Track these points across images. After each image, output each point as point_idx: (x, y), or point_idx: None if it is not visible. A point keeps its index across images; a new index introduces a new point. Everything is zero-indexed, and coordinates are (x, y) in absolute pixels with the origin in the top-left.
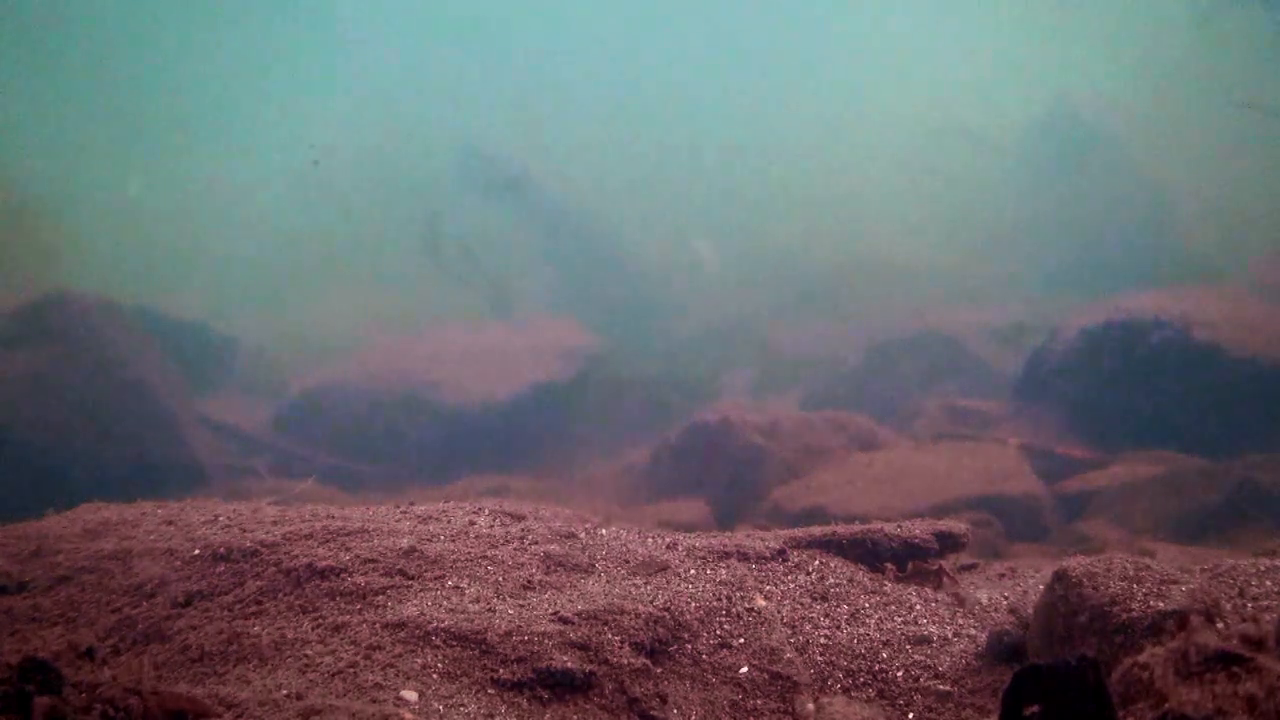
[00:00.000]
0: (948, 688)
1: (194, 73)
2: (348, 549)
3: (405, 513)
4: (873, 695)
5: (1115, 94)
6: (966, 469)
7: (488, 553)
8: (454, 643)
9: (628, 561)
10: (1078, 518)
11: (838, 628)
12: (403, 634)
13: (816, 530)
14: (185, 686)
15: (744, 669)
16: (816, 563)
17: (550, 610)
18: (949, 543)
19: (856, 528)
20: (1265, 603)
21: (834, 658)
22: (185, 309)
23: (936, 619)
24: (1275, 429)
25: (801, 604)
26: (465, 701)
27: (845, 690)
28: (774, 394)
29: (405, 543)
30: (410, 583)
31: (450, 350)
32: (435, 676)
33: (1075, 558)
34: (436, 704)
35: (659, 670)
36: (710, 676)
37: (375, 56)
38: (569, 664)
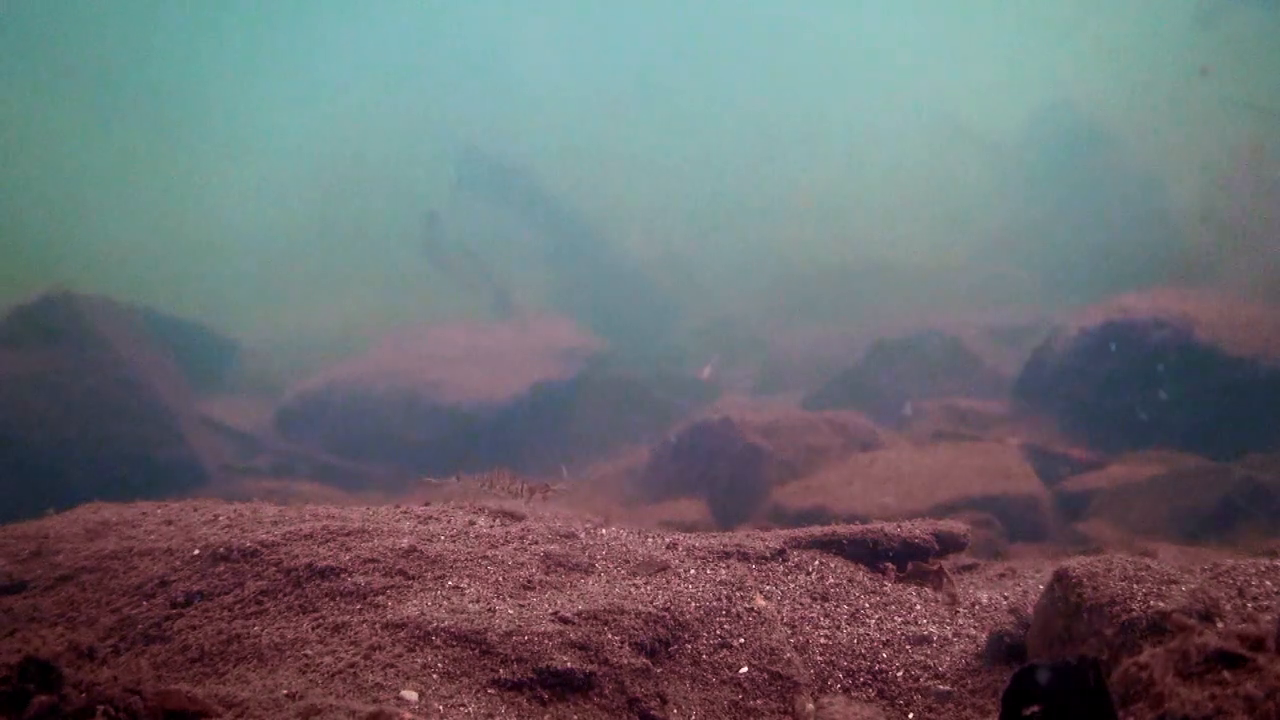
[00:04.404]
0: (948, 688)
1: (194, 72)
2: (348, 549)
3: (405, 513)
4: (873, 695)
5: (1115, 94)
6: (966, 469)
7: (488, 553)
8: (454, 643)
9: (628, 561)
10: (1078, 518)
11: (838, 628)
12: (403, 634)
13: (816, 530)
14: (185, 686)
15: (744, 669)
16: (816, 563)
17: (550, 610)
18: (949, 543)
19: (857, 528)
20: (1265, 603)
21: (834, 658)
22: (185, 309)
23: (936, 619)
24: (1275, 429)
25: (801, 604)
26: (465, 701)
27: (845, 690)
28: (774, 394)
29: (405, 543)
30: (410, 583)
31: (450, 350)
32: (435, 676)
33: (1075, 558)
34: (437, 704)
35: (659, 670)
36: (710, 676)
37: (377, 55)
38: (569, 664)
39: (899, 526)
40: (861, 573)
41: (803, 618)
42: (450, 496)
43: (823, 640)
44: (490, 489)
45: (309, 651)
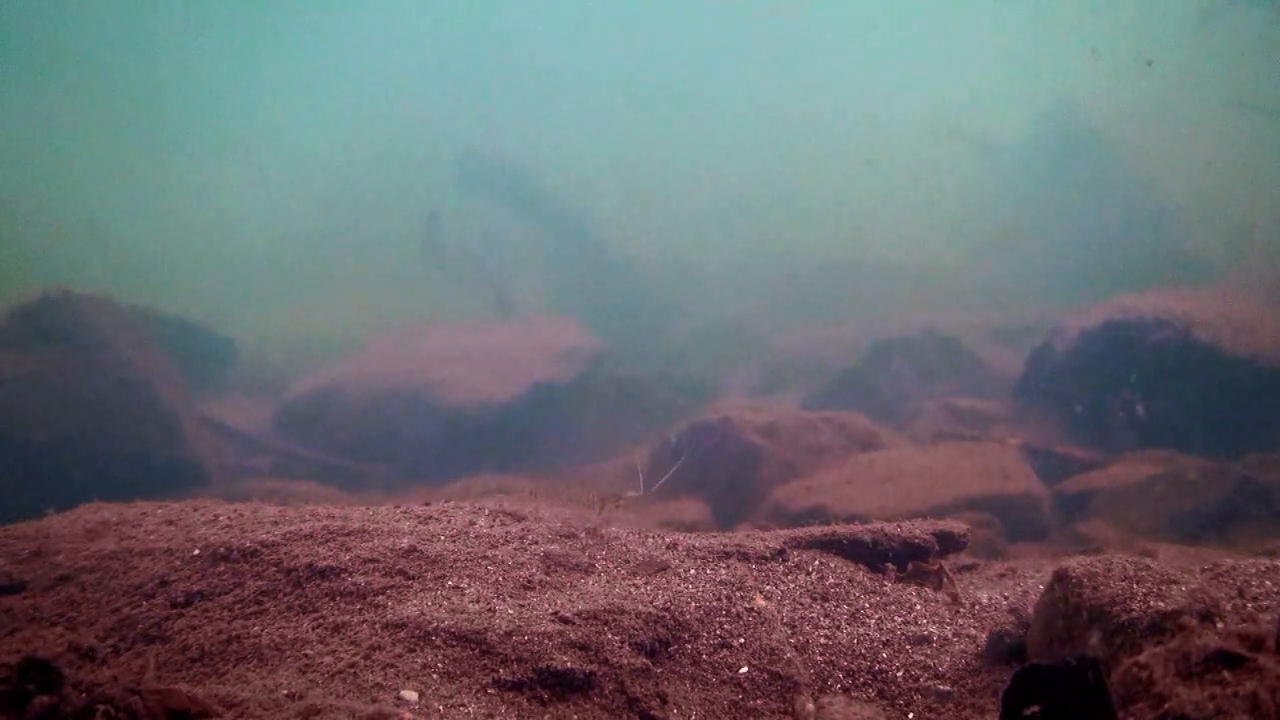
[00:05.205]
0: (948, 688)
1: (194, 73)
2: (348, 549)
3: (405, 513)
4: (873, 695)
5: (1114, 94)
6: (966, 469)
7: (488, 553)
8: (454, 643)
9: (628, 561)
10: (1078, 518)
11: (838, 628)
12: (403, 634)
13: (816, 530)
14: (185, 686)
15: (744, 669)
16: (816, 563)
17: (550, 610)
18: (949, 543)
19: (856, 528)
20: (1265, 603)
21: (834, 658)
22: (185, 309)
23: (936, 619)
24: (1275, 429)
25: (801, 604)
26: (465, 701)
27: (845, 690)
28: (774, 394)
29: (405, 543)
30: (410, 583)
31: (450, 350)
32: (435, 676)
33: (1075, 558)
34: (437, 704)
35: (659, 670)
36: (710, 676)
37: (376, 56)
38: (569, 664)
39: (899, 526)
40: (861, 573)
41: (803, 618)
42: (452, 496)
43: (823, 640)
44: (561, 497)
45: (309, 651)
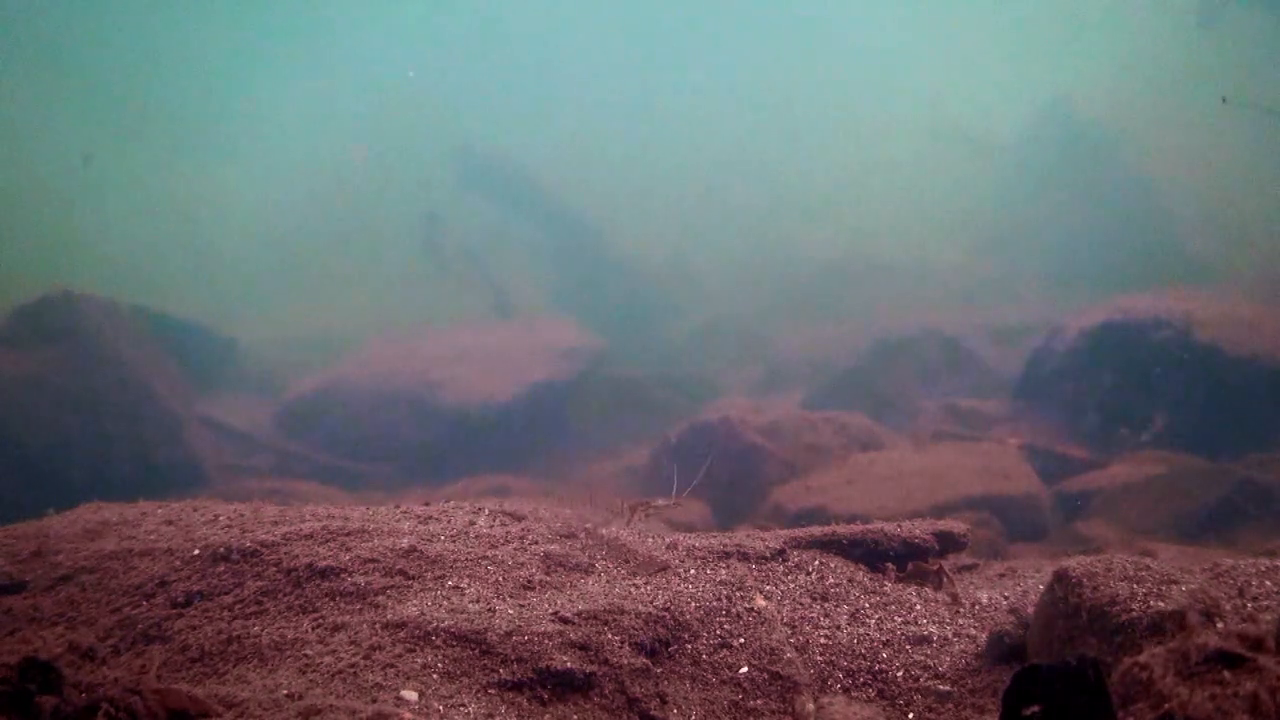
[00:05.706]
0: (948, 688)
1: (194, 72)
2: (348, 549)
3: (405, 513)
4: (873, 695)
5: (1114, 94)
6: (966, 469)
7: (488, 553)
8: (454, 643)
9: (628, 561)
10: (1078, 518)
11: (838, 628)
12: (403, 634)
13: (816, 530)
14: (185, 686)
15: (744, 669)
16: (816, 563)
17: (550, 610)
18: (949, 543)
19: (857, 528)
20: (1265, 603)
21: (834, 658)
22: (185, 309)
23: (936, 619)
24: (1275, 429)
25: (801, 604)
26: (465, 701)
27: (845, 690)
28: (774, 394)
29: (405, 543)
30: (410, 583)
31: (450, 350)
32: (435, 676)
33: (1075, 558)
34: (437, 704)
35: (659, 670)
36: (710, 676)
37: (376, 56)
38: (569, 664)
39: (899, 526)
40: (861, 573)
41: (803, 618)
42: (452, 496)
43: (823, 640)
44: (589, 504)
45: (309, 651)
